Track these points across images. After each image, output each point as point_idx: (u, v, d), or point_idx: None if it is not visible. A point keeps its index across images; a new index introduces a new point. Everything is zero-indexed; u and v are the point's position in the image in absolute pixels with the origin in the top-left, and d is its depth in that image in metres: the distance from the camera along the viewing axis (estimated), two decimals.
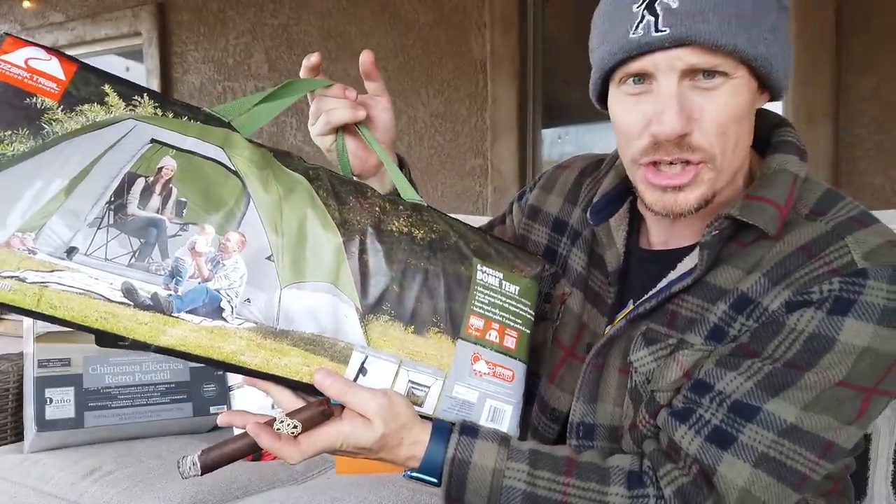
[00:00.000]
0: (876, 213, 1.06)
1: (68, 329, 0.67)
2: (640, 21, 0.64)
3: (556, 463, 0.70)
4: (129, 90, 0.65)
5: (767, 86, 0.71)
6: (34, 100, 0.61)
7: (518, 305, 0.77)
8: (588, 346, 0.82)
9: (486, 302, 0.74)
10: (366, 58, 0.77)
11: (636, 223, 0.83)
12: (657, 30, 0.63)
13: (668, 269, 0.76)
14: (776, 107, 3.02)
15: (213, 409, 1.58)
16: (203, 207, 0.63)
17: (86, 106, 0.62)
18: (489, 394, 0.74)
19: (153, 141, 0.63)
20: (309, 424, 0.66)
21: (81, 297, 0.59)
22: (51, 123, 0.61)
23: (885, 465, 1.03)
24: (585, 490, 0.68)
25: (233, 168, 0.66)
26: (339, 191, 0.70)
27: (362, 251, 0.69)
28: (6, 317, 4.69)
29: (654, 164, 0.69)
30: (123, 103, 0.64)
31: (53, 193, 0.59)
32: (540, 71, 2.88)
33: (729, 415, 0.66)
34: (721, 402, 0.67)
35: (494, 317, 0.74)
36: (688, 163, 0.67)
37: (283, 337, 0.65)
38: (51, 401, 1.22)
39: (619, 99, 0.71)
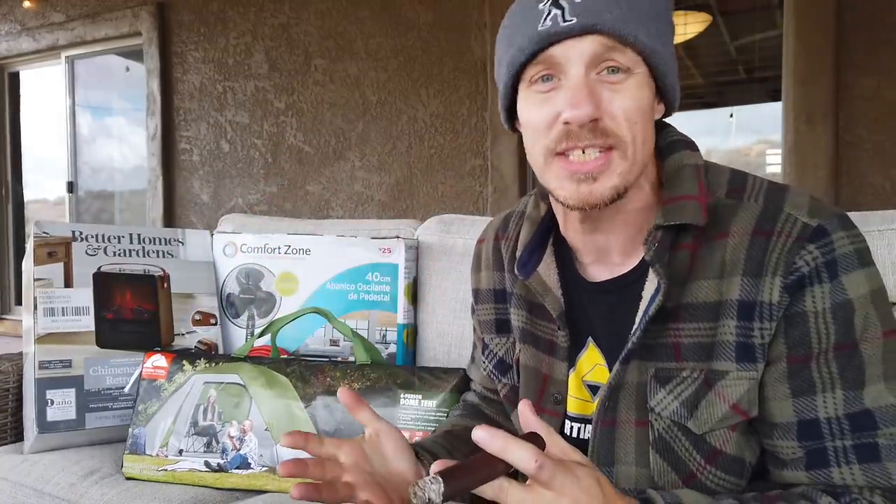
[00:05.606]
0: (876, 213, 1.06)
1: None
2: (548, 15, 0.68)
3: (756, 496, 0.68)
4: (193, 358, 1.23)
5: (662, 93, 0.73)
6: (157, 382, 1.22)
7: (437, 414, 1.12)
8: (555, 397, 0.81)
9: (410, 418, 1.13)
10: (343, 396, 0.73)
11: (569, 260, 0.83)
12: (564, 20, 0.67)
13: (621, 298, 0.76)
14: (776, 108, 2.98)
15: None
16: (230, 412, 1.18)
17: (176, 375, 1.22)
18: None
19: (205, 383, 1.21)
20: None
21: (188, 473, 1.16)
22: (163, 391, 1.21)
23: None
24: None
25: (242, 383, 1.19)
26: (305, 374, 1.18)
27: (317, 408, 1.15)
28: (6, 316, 4.69)
29: (566, 154, 0.70)
30: (191, 367, 1.22)
31: (168, 426, 1.19)
32: None
33: (855, 433, 0.66)
34: (839, 428, 0.67)
35: (417, 427, 1.12)
36: (599, 150, 0.69)
37: None
38: (52, 402, 1.22)
39: (530, 99, 0.72)
